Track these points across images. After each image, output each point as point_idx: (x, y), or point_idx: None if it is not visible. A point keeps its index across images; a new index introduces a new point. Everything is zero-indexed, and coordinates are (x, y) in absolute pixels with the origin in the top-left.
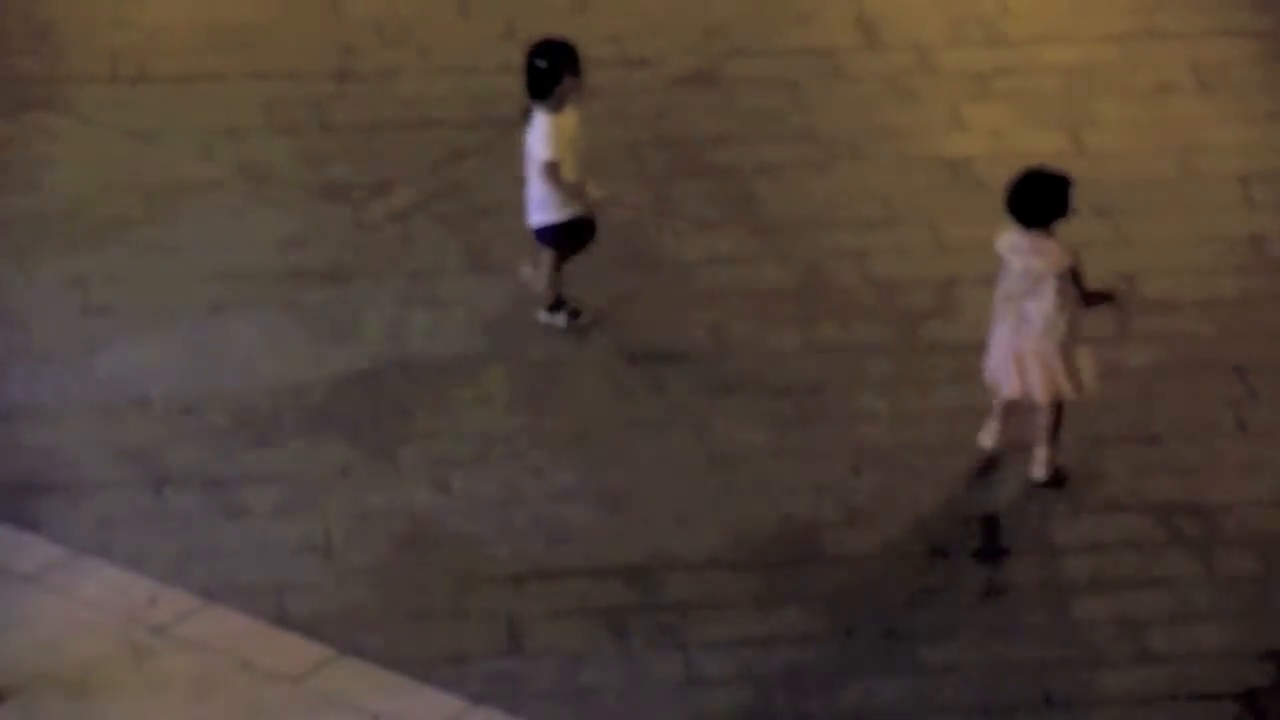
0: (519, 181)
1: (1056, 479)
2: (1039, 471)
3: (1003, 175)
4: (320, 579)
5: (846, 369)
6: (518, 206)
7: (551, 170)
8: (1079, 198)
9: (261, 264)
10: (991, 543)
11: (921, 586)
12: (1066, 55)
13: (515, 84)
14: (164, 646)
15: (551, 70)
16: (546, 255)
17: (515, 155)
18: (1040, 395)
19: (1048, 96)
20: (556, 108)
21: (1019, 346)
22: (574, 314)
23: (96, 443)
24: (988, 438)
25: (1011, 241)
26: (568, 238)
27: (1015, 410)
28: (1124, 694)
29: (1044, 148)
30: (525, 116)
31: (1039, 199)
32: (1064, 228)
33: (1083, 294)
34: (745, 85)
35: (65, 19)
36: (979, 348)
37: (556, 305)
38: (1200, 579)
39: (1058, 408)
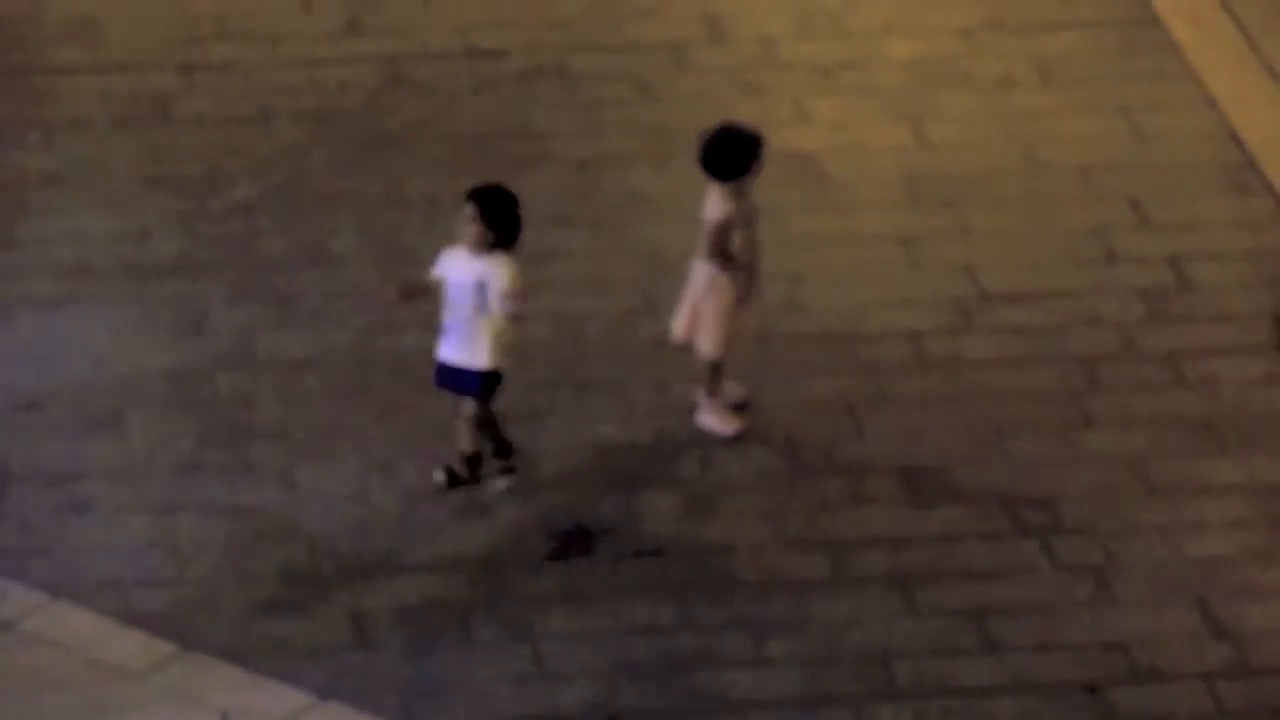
0: (362, 174)
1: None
2: (701, 419)
3: (846, 169)
4: (166, 574)
5: (693, 364)
6: (360, 199)
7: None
8: (922, 190)
9: (104, 258)
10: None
11: (767, 577)
12: (909, 48)
13: (358, 76)
14: (9, 643)
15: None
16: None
17: (357, 149)
18: (674, 330)
19: (891, 89)
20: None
21: (691, 290)
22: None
23: None
24: (730, 394)
25: (708, 191)
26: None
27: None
28: (969, 684)
29: (887, 140)
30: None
31: (722, 154)
32: (913, 214)
33: (718, 250)
34: (591, 79)
35: None
36: (828, 339)
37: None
38: (1044, 570)
39: (714, 364)
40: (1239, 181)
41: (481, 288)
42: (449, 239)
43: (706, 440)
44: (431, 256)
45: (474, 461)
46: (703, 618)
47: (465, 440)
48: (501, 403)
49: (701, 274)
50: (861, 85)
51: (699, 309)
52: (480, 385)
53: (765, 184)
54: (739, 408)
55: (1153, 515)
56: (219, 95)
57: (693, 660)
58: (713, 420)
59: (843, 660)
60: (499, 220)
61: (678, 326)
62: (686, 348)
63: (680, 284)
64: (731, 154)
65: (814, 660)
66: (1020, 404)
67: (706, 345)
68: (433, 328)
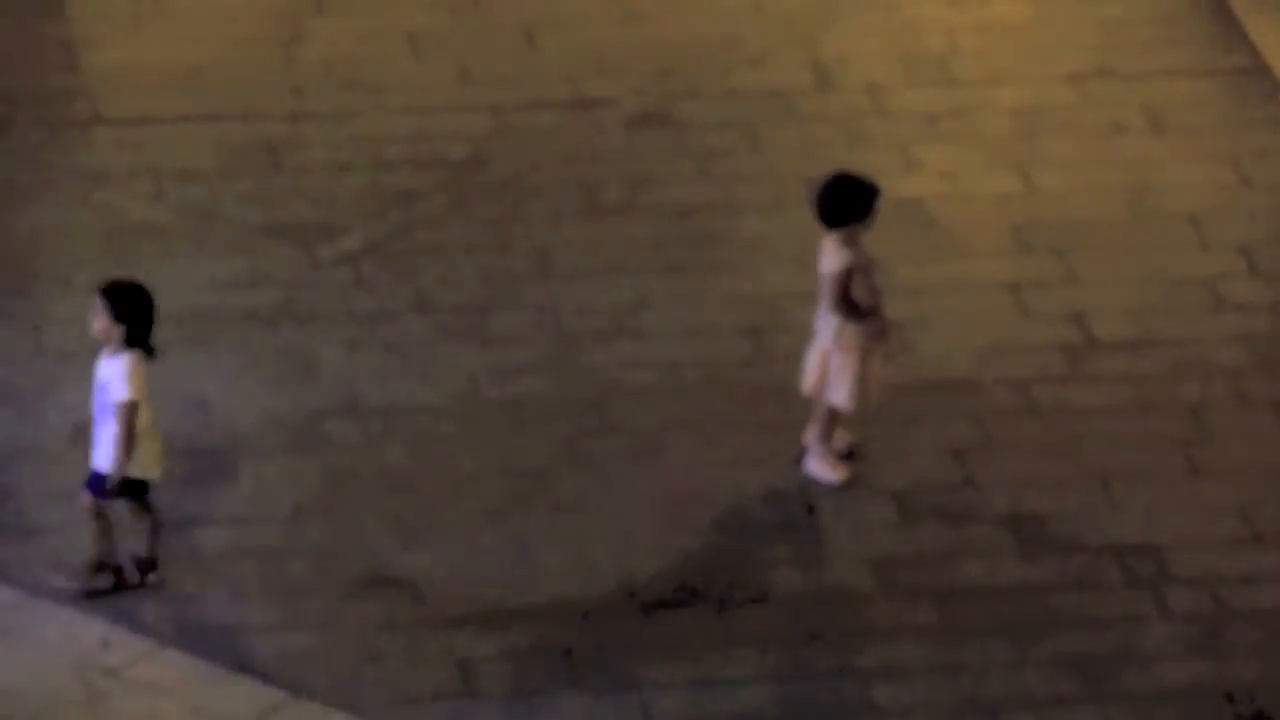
0: (470, 222)
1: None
2: (809, 466)
3: (955, 216)
4: (273, 622)
5: (804, 409)
6: (469, 248)
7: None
8: (1031, 238)
9: (213, 306)
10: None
11: (875, 625)
12: (1018, 96)
13: (466, 125)
14: (117, 689)
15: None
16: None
17: (465, 198)
18: (804, 384)
19: (999, 137)
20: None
21: (818, 343)
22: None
23: (47, 485)
24: (839, 441)
25: (823, 242)
26: (119, 495)
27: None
28: None
29: (995, 188)
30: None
31: (836, 202)
32: (1022, 261)
33: (843, 300)
34: (698, 126)
35: (17, 61)
36: (936, 387)
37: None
38: (1153, 619)
39: (830, 411)
40: None
41: (104, 388)
42: (558, 286)
43: (813, 487)
44: (541, 304)
45: (144, 564)
46: (810, 666)
47: (143, 544)
48: (599, 448)
49: (828, 325)
50: (969, 133)
51: (829, 361)
52: (92, 482)
53: (874, 232)
54: (847, 455)
55: (1262, 564)
56: (328, 144)
57: (800, 710)
58: (820, 467)
59: (951, 709)
60: (126, 316)
61: (807, 381)
62: (811, 399)
63: (785, 331)
64: (846, 201)
65: (922, 709)
66: (1129, 452)
67: (840, 398)
68: (546, 373)
